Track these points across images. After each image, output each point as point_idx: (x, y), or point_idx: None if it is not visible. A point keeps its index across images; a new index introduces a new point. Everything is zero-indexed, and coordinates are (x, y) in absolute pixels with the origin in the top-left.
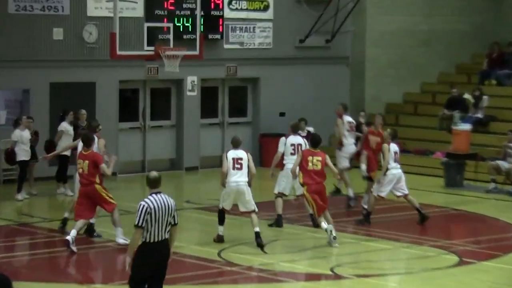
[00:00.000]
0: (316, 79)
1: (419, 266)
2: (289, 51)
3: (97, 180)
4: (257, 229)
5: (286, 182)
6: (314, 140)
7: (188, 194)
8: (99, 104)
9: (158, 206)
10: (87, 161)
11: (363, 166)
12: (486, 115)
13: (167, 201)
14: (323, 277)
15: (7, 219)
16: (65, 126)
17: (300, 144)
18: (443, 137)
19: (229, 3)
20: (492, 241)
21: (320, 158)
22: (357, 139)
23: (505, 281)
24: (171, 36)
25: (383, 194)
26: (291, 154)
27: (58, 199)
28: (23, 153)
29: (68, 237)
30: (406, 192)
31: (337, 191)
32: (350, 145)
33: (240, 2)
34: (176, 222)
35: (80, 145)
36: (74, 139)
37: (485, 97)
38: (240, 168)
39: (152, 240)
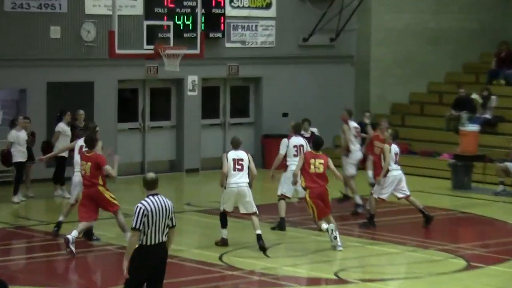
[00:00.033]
0: (320, 79)
1: (426, 271)
2: (293, 50)
3: (100, 181)
4: (258, 231)
5: (289, 184)
6: (316, 143)
7: (188, 197)
8: (97, 104)
9: (155, 208)
10: (89, 163)
11: (370, 173)
12: (494, 116)
13: (164, 203)
14: (327, 282)
15: (3, 222)
16: (63, 127)
17: (302, 145)
18: (450, 138)
19: (231, 0)
20: (501, 245)
21: (322, 161)
22: (363, 140)
23: None
24: (171, 35)
25: (384, 197)
26: (294, 155)
27: (55, 201)
28: (19, 155)
29: (69, 236)
30: (408, 193)
31: (345, 197)
32: (357, 151)
33: None
34: (174, 224)
35: (76, 146)
36: (72, 140)
37: (493, 97)
38: (241, 169)
39: (149, 243)
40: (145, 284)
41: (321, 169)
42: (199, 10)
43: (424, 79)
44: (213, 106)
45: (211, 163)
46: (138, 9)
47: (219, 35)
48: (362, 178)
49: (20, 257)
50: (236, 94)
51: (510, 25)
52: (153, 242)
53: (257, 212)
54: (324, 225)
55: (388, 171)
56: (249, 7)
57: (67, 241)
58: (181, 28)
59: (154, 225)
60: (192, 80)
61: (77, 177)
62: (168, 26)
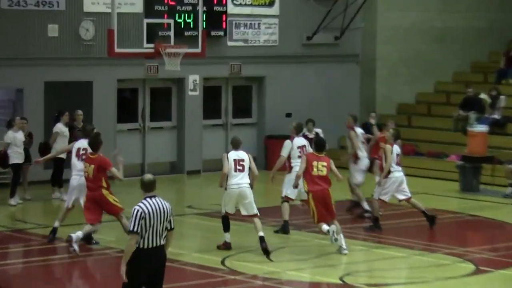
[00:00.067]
0: (324, 78)
1: (433, 275)
2: (296, 49)
3: (104, 184)
4: (261, 233)
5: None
6: (318, 145)
7: (189, 199)
8: (96, 104)
9: (153, 211)
10: (93, 165)
11: (378, 179)
12: (503, 116)
13: (162, 205)
14: (332, 287)
15: (0, 225)
16: (61, 128)
17: (304, 146)
18: (458, 139)
19: None
20: (510, 248)
21: (325, 164)
22: (368, 141)
23: None
24: (171, 33)
25: (385, 198)
26: (298, 157)
27: (53, 204)
28: (16, 156)
29: (73, 235)
30: (409, 195)
31: (355, 204)
32: (365, 157)
33: None
34: (172, 226)
35: (74, 148)
36: (70, 141)
37: (502, 97)
38: (242, 170)
39: (147, 246)
40: None
41: (324, 172)
42: (200, 8)
43: (431, 79)
44: (215, 106)
45: (213, 165)
46: (138, 6)
47: (221, 33)
48: (368, 181)
49: (17, 261)
50: (238, 94)
51: None
52: (151, 245)
53: (258, 214)
54: (325, 226)
55: (389, 172)
56: (251, 5)
57: (70, 239)
58: (182, 26)
59: (152, 228)
60: (193, 79)
61: (74, 181)
62: (169, 24)
